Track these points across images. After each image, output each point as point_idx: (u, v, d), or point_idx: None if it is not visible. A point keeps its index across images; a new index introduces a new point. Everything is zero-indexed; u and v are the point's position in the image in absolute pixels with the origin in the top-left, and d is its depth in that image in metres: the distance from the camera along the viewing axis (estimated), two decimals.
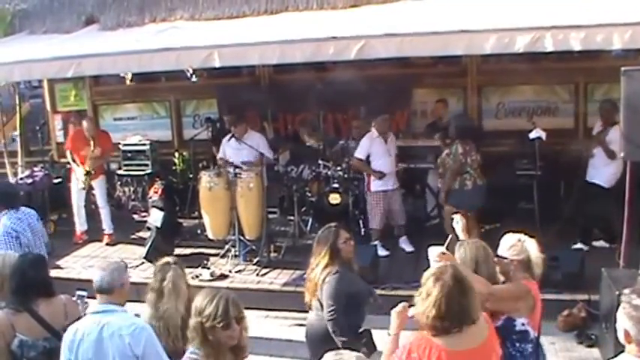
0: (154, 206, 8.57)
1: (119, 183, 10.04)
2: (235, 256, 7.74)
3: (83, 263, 8.03)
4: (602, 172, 7.20)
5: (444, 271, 2.94)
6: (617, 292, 4.67)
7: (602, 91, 8.52)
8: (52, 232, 9.04)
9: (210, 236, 7.96)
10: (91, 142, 8.59)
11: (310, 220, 8.52)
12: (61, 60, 7.16)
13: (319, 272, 4.20)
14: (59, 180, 9.81)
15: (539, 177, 7.68)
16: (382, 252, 7.66)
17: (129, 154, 10.05)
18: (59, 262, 7.97)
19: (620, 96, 5.56)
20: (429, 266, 3.32)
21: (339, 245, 4.27)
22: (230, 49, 6.55)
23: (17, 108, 10.79)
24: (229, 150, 8.09)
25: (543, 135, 7.56)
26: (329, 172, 8.41)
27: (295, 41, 6.42)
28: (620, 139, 5.71)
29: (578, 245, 7.30)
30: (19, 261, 3.96)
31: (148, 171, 9.93)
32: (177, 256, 6.56)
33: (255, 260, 7.65)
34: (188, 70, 9.04)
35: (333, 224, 4.43)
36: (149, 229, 8.15)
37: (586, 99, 8.86)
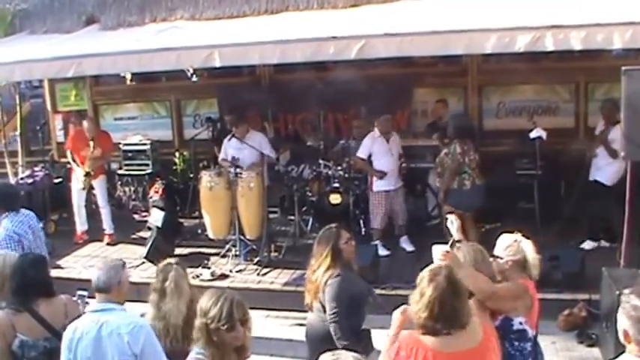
0: (154, 206, 8.58)
1: (120, 183, 10.04)
2: (236, 255, 7.74)
3: (84, 263, 8.03)
4: (604, 170, 7.21)
5: (438, 272, 2.96)
6: (617, 292, 4.67)
7: (603, 90, 8.51)
8: (53, 232, 9.06)
9: (211, 236, 7.97)
10: (91, 143, 8.60)
11: (311, 219, 8.52)
12: (61, 60, 7.16)
13: (321, 274, 4.19)
14: (60, 180, 9.81)
15: (539, 176, 7.68)
16: (383, 252, 7.66)
17: (129, 154, 10.05)
18: (60, 262, 7.98)
19: (620, 95, 5.56)
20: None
21: (340, 246, 4.25)
22: (230, 48, 6.56)
23: (18, 108, 10.79)
24: (231, 150, 8.10)
25: (544, 134, 7.56)
26: (329, 172, 8.41)
27: (296, 41, 6.42)
28: (621, 139, 5.71)
29: (587, 243, 7.30)
30: (19, 261, 3.96)
31: (149, 171, 9.94)
32: (177, 255, 6.62)
33: (255, 260, 7.65)
34: (188, 70, 9.03)
35: (333, 225, 4.42)
36: (150, 228, 8.15)
37: (586, 98, 8.86)
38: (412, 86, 9.40)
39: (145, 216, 9.24)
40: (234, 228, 7.79)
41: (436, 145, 8.00)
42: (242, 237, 7.77)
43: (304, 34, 6.65)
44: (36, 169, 9.80)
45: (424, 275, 2.99)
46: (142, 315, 3.87)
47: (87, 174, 8.61)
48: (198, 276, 7.19)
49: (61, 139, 10.84)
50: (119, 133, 10.29)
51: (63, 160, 10.15)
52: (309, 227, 8.41)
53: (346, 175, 8.30)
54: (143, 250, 7.82)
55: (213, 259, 7.81)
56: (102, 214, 8.92)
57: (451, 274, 2.98)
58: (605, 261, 6.04)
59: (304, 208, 8.67)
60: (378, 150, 7.72)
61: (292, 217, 8.48)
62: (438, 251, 3.54)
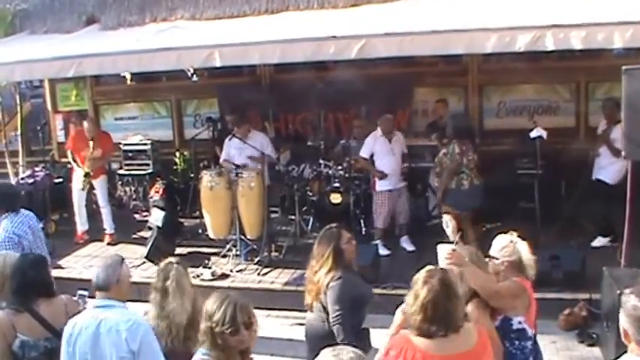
0: (155, 206, 8.58)
1: (120, 183, 10.04)
2: (236, 255, 7.74)
3: (84, 263, 8.04)
4: (607, 169, 7.23)
5: (432, 275, 2.98)
6: (618, 291, 4.67)
7: (603, 90, 8.51)
8: (53, 232, 9.06)
9: (212, 236, 7.97)
10: (90, 144, 8.60)
11: (311, 219, 8.52)
12: (61, 60, 7.17)
13: (323, 276, 4.17)
14: (60, 180, 9.82)
15: (540, 176, 7.67)
16: (383, 251, 7.66)
17: (130, 154, 10.05)
18: (60, 262, 7.98)
19: (621, 95, 5.56)
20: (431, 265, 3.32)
21: (342, 246, 4.24)
22: (231, 48, 6.56)
23: (18, 108, 10.79)
24: (233, 150, 8.10)
25: (544, 134, 7.55)
26: (330, 172, 8.41)
27: (296, 40, 6.43)
28: (622, 138, 5.71)
29: (598, 240, 7.28)
30: (19, 261, 3.95)
31: (149, 171, 9.94)
32: (178, 255, 6.59)
33: (256, 260, 7.65)
34: (189, 70, 9.02)
35: (334, 225, 4.41)
36: (150, 228, 8.16)
37: (587, 98, 8.86)
38: (412, 86, 9.40)
39: (146, 216, 9.24)
40: (234, 228, 7.79)
41: (437, 145, 8.01)
42: (242, 237, 7.77)
43: (304, 33, 6.66)
44: (36, 169, 9.80)
45: (418, 277, 3.01)
46: (145, 314, 3.87)
47: (86, 174, 8.61)
48: (198, 276, 7.19)
49: (61, 139, 10.84)
50: (120, 133, 10.29)
51: (63, 160, 10.15)
52: (309, 227, 8.41)
53: (347, 175, 8.29)
54: (144, 250, 7.82)
55: (213, 258, 7.81)
56: (102, 214, 8.92)
57: (445, 276, 2.99)
58: (606, 260, 6.04)
59: (305, 208, 8.67)
60: (380, 150, 7.73)
61: (293, 217, 8.48)
62: (443, 250, 3.54)
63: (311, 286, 4.29)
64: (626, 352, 2.55)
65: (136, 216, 9.81)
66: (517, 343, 3.62)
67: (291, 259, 7.61)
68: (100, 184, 8.90)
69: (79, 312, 3.78)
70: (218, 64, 6.50)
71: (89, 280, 3.71)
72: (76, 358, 3.44)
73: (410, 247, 7.86)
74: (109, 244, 8.75)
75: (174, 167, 10.27)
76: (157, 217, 8.05)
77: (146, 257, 7.63)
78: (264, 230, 7.77)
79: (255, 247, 7.81)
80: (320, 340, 4.10)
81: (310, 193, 8.70)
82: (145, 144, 10.03)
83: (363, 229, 8.23)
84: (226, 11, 8.44)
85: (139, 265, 7.56)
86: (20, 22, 9.79)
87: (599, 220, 7.45)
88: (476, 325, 3.16)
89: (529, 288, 3.71)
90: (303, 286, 4.61)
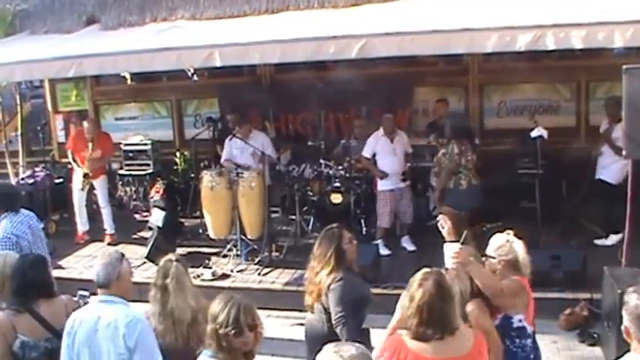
0: (155, 206, 8.58)
1: (121, 183, 10.05)
2: (237, 255, 7.74)
3: (85, 263, 8.03)
4: (610, 169, 7.23)
5: (428, 277, 2.98)
6: (619, 291, 4.68)
7: (604, 89, 8.51)
8: (54, 232, 9.06)
9: (212, 236, 7.97)
10: (90, 144, 8.59)
11: (312, 219, 8.52)
12: (62, 60, 7.17)
13: (325, 277, 4.16)
14: (60, 180, 9.82)
15: (540, 175, 7.66)
16: (384, 251, 7.65)
17: (130, 154, 10.06)
18: (61, 262, 7.97)
19: (621, 94, 5.55)
20: (431, 265, 3.32)
21: (343, 246, 4.22)
22: (231, 48, 6.56)
23: (18, 108, 10.79)
24: (235, 151, 8.09)
25: (545, 133, 7.54)
26: (330, 172, 8.41)
27: (296, 40, 6.43)
28: (623, 138, 5.70)
29: (611, 238, 7.23)
30: (19, 261, 3.95)
31: (150, 171, 9.94)
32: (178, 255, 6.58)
33: (256, 260, 7.65)
34: (189, 70, 9.02)
35: (334, 225, 4.40)
36: (151, 228, 8.16)
37: (588, 97, 8.86)
38: (413, 85, 9.40)
39: (146, 216, 9.24)
40: (235, 228, 7.79)
41: (436, 145, 8.00)
42: (243, 237, 7.77)
43: (305, 33, 6.65)
44: (37, 169, 9.81)
45: (414, 280, 3.02)
46: (146, 313, 3.86)
47: (85, 175, 8.61)
48: (199, 276, 7.18)
49: (61, 139, 10.84)
50: (120, 133, 10.31)
51: (64, 160, 10.16)
52: (310, 227, 8.41)
53: (347, 175, 8.29)
54: (144, 250, 7.82)
55: (214, 259, 7.81)
56: (103, 214, 8.92)
57: (440, 278, 2.99)
58: (607, 260, 6.03)
59: (305, 208, 8.67)
60: (382, 149, 7.73)
61: (293, 217, 8.48)
62: (449, 250, 3.54)
63: (312, 287, 4.27)
64: (628, 351, 2.56)
65: (137, 216, 9.81)
66: (517, 341, 3.63)
67: (292, 259, 7.61)
68: (100, 185, 8.90)
69: None
70: (218, 64, 6.50)
71: (90, 281, 3.71)
72: (75, 351, 3.46)
73: (411, 247, 7.85)
74: (109, 244, 8.74)
75: (175, 167, 10.28)
76: (157, 217, 8.05)
77: (146, 257, 7.62)
78: (264, 230, 7.76)
79: (255, 247, 7.80)
80: (320, 340, 4.08)
81: (311, 193, 8.69)
82: (146, 144, 10.04)
83: (364, 229, 8.22)
84: (226, 11, 8.44)
85: (139, 266, 7.55)
86: (20, 23, 9.79)
87: (606, 219, 7.43)
88: (476, 324, 3.16)
89: (527, 286, 3.73)
90: (304, 286, 4.60)
